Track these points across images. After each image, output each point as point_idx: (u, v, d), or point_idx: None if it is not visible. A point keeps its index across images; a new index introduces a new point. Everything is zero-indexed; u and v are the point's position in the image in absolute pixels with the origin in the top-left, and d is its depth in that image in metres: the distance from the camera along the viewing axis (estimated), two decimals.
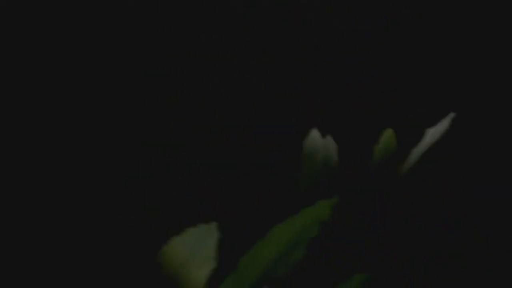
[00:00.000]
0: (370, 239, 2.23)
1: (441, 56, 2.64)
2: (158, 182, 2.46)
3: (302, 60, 2.63)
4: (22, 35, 2.48)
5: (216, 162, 2.51)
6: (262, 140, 2.64)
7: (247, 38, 2.53)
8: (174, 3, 2.50)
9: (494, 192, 2.51)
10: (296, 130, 2.65)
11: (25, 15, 2.47)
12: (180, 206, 2.46)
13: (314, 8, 2.58)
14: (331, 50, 2.61)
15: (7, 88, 2.49)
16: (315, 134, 2.15)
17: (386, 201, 2.21)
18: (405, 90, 2.63)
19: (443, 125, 2.08)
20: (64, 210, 2.45)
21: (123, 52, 2.50)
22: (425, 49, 2.64)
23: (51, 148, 2.48)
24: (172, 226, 2.44)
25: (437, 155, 2.52)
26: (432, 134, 2.11)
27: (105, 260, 2.41)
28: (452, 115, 2.11)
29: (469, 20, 2.58)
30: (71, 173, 2.47)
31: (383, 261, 2.24)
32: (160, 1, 2.50)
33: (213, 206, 2.49)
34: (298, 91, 2.62)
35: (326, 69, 2.62)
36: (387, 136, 2.15)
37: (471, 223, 2.49)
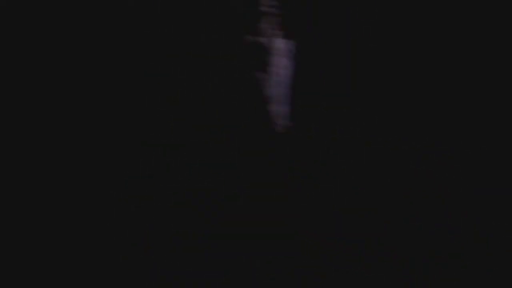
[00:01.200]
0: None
1: None
2: (158, 182, 2.46)
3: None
4: (22, 35, 2.48)
5: (215, 161, 2.51)
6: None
7: (247, 38, 2.53)
8: (174, 3, 2.50)
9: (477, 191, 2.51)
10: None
11: (25, 15, 2.47)
12: (180, 205, 2.47)
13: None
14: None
15: (7, 88, 2.49)
16: None
17: None
18: None
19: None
20: (64, 210, 2.45)
21: (123, 52, 2.50)
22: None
23: (51, 148, 2.48)
24: (172, 226, 2.45)
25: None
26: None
27: (105, 259, 2.41)
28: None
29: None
30: (71, 173, 2.47)
31: None
32: (160, 1, 2.50)
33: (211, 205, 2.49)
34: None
35: None
36: None
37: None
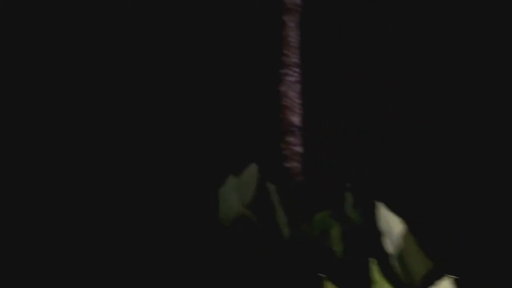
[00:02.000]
0: None
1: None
2: (158, 182, 2.47)
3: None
4: (22, 35, 2.48)
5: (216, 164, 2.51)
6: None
7: (247, 37, 2.54)
8: (174, 3, 2.50)
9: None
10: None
11: (25, 15, 2.48)
12: (181, 205, 2.47)
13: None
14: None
15: (7, 88, 2.49)
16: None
17: None
18: None
19: None
20: (64, 210, 2.45)
21: (123, 52, 2.50)
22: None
23: (52, 148, 2.48)
24: (172, 226, 2.45)
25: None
26: None
27: (105, 259, 2.42)
28: None
29: None
30: (71, 173, 2.47)
31: None
32: (160, 1, 2.50)
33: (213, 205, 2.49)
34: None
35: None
36: None
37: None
